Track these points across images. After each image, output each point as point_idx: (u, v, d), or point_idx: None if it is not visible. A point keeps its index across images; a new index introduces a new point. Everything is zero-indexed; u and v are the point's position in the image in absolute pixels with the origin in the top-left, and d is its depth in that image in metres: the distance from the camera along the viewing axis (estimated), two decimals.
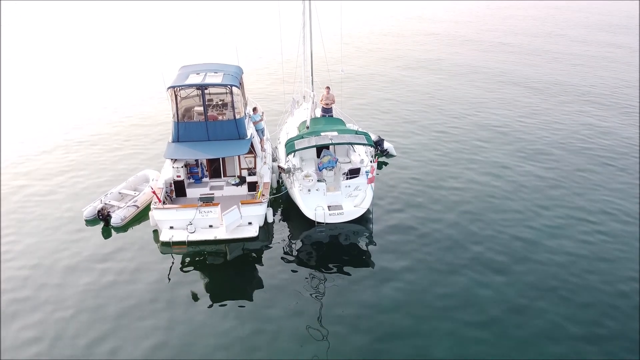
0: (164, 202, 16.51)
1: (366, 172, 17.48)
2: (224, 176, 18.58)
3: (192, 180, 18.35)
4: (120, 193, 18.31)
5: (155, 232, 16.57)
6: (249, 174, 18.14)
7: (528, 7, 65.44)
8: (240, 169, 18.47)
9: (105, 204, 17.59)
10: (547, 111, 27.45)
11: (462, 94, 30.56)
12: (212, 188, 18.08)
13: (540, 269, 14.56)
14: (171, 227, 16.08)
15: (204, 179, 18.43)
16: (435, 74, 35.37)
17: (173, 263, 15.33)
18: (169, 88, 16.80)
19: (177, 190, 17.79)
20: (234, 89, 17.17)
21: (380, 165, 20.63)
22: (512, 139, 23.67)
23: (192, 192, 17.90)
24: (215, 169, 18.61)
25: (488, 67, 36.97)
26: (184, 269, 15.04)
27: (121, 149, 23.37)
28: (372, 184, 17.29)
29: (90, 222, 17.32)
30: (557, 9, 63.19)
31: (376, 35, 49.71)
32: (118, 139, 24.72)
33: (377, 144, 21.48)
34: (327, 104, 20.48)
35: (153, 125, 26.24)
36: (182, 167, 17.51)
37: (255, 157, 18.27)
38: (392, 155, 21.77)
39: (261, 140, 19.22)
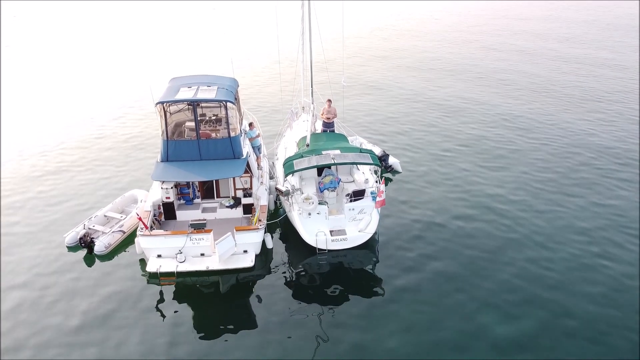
0: (151, 228, 15.18)
1: (372, 193, 16.16)
2: (217, 197, 17.24)
3: (182, 202, 16.99)
4: (105, 216, 16.93)
5: (142, 261, 15.23)
6: (245, 195, 16.81)
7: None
8: (235, 189, 17.15)
9: (89, 228, 16.23)
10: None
11: (478, 106, 29.27)
12: (204, 210, 16.74)
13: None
14: (159, 256, 14.73)
15: (196, 200, 17.08)
16: (445, 81, 34.09)
17: (161, 295, 14.01)
18: (157, 104, 15.42)
19: (166, 213, 16.43)
20: (229, 105, 15.82)
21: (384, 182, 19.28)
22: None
23: (183, 215, 16.55)
24: (208, 189, 17.27)
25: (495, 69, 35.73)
26: (173, 302, 13.74)
27: (108, 166, 21.86)
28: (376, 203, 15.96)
29: (73, 248, 15.97)
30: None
31: (378, 39, 48.41)
32: (105, 155, 23.12)
33: (382, 160, 20.15)
34: (328, 118, 19.14)
35: (143, 140, 24.69)
36: (171, 187, 16.17)
37: (251, 177, 16.94)
38: (397, 172, 20.44)
39: (258, 157, 17.88)
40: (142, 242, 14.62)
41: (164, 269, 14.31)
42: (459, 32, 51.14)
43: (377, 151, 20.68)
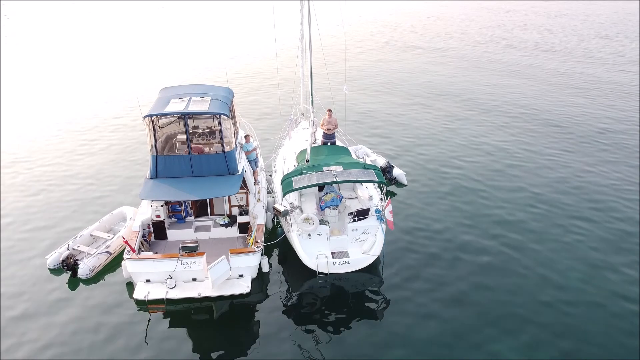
0: (139, 250, 14.11)
1: (376, 211, 15.09)
2: (211, 215, 16.16)
3: (174, 220, 15.92)
4: (92, 235, 15.84)
5: (130, 285, 14.18)
6: (241, 213, 15.73)
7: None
8: (231, 206, 16.06)
9: (74, 249, 15.14)
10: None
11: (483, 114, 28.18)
12: (197, 229, 15.66)
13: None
14: (147, 281, 13.67)
15: (189, 219, 16.00)
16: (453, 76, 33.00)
17: (149, 323, 12.97)
18: (145, 117, 14.30)
19: (156, 232, 15.36)
20: (223, 118, 14.72)
21: (388, 195, 18.21)
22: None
23: (175, 234, 15.48)
24: (202, 206, 16.19)
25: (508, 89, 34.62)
26: (163, 331, 12.71)
27: (95, 181, 20.62)
28: (383, 226, 14.91)
29: (55, 271, 14.90)
30: None
31: (381, 40, 47.26)
32: (93, 169, 21.77)
33: (386, 172, 19.08)
34: (329, 129, 18.02)
35: (134, 154, 23.33)
36: (162, 205, 15.10)
37: (247, 193, 15.86)
38: (402, 185, 19.35)
39: (254, 172, 16.79)
40: (129, 267, 13.57)
41: (152, 296, 13.26)
42: (474, 32, 50.01)
43: (381, 162, 19.61)
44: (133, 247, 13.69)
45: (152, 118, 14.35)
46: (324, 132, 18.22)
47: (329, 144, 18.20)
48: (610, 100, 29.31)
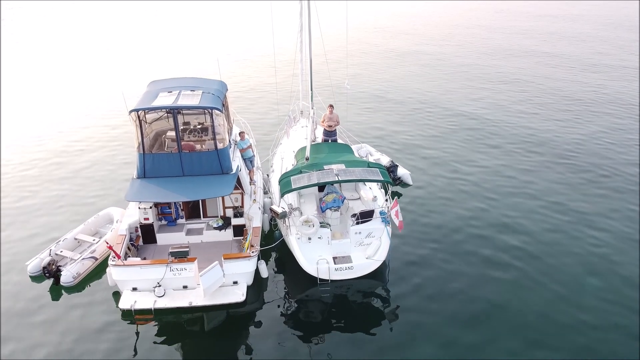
0: (125, 256, 13.08)
1: (381, 213, 14.06)
2: (204, 217, 15.12)
3: (164, 222, 14.88)
4: (76, 239, 14.79)
5: (117, 293, 13.13)
6: (235, 215, 14.71)
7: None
8: (225, 207, 15.03)
9: (56, 254, 14.09)
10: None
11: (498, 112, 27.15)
12: (189, 232, 14.63)
13: None
14: (134, 289, 12.64)
15: (180, 221, 14.97)
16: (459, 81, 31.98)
17: (138, 336, 11.94)
18: (131, 111, 13.25)
19: (145, 236, 14.33)
20: (215, 113, 13.67)
21: (394, 196, 17.15)
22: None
23: (165, 238, 14.44)
24: (194, 208, 15.18)
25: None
26: (151, 343, 11.70)
27: (80, 181, 19.54)
28: (389, 229, 13.87)
29: (37, 278, 13.85)
30: None
31: (383, 35, 46.22)
32: (77, 168, 20.71)
33: (390, 171, 18.04)
34: (330, 126, 16.96)
35: (122, 152, 22.20)
36: (150, 207, 14.06)
37: (242, 193, 14.83)
38: (407, 185, 18.32)
39: (250, 171, 15.75)
40: (114, 274, 12.55)
41: (139, 305, 12.25)
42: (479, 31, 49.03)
43: (385, 161, 18.58)
44: (118, 252, 12.66)
45: (139, 113, 13.29)
46: (324, 130, 17.17)
47: (329, 142, 17.15)
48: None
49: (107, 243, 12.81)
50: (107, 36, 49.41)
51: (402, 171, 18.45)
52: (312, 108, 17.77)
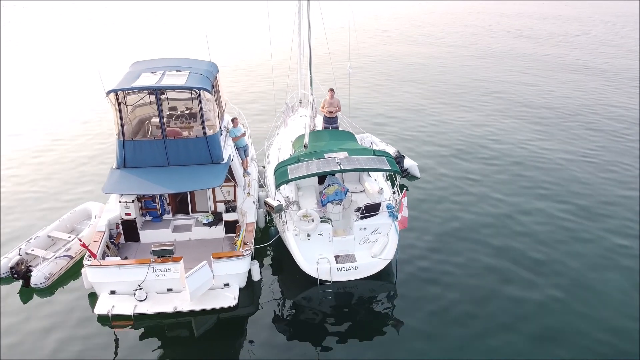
0: (104, 255, 11.70)
1: (388, 206, 12.69)
2: (192, 212, 13.75)
3: (148, 218, 13.50)
4: (50, 237, 13.38)
5: (94, 296, 11.74)
6: (227, 210, 13.35)
7: None
8: (215, 202, 13.65)
9: (26, 253, 12.69)
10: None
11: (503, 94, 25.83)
12: (176, 229, 13.27)
13: None
14: (112, 292, 11.27)
15: (166, 217, 13.60)
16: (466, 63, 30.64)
17: (117, 343, 10.63)
18: (109, 92, 11.81)
19: (126, 233, 12.96)
20: (205, 95, 12.26)
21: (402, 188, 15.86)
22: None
23: (149, 235, 13.08)
24: (181, 202, 13.83)
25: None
26: (132, 352, 10.38)
27: (56, 174, 18.15)
28: (397, 224, 12.51)
29: (6, 280, 12.46)
30: None
31: (389, 19, 44.80)
32: (52, 160, 19.36)
33: (396, 162, 16.66)
34: (330, 112, 15.61)
35: (101, 142, 20.87)
36: (132, 201, 12.68)
37: (235, 186, 13.45)
38: (415, 177, 16.98)
39: (243, 161, 14.38)
40: (90, 275, 11.21)
41: (117, 311, 10.93)
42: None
43: (391, 151, 17.25)
44: (94, 251, 11.28)
45: (117, 94, 11.86)
46: (324, 116, 15.83)
47: (330, 129, 15.79)
48: None
49: (81, 241, 11.41)
50: (102, 36, 47.93)
51: (409, 162, 17.15)
52: (312, 94, 16.43)
